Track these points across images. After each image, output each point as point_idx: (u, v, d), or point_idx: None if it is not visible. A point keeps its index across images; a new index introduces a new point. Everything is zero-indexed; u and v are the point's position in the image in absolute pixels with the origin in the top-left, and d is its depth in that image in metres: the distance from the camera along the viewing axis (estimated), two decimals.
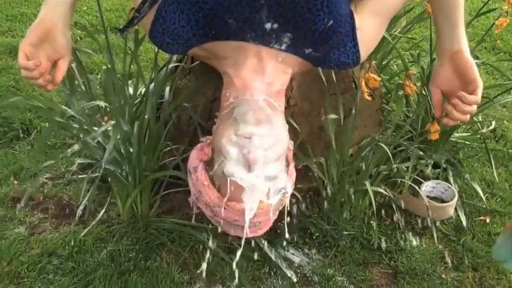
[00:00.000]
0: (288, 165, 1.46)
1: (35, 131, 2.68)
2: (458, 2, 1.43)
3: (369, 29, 1.47)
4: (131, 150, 2.00)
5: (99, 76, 3.06)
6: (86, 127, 1.95)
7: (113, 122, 1.90)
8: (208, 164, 1.44)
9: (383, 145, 2.05)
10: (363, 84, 1.94)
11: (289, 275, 2.00)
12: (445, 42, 1.45)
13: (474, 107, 1.43)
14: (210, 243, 2.01)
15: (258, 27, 1.39)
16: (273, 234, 2.10)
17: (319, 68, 2.02)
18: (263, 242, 2.05)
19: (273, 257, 2.04)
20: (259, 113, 1.39)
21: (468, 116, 1.44)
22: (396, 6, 1.51)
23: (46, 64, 1.42)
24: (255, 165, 1.33)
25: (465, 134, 2.71)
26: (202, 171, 1.41)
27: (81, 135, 1.93)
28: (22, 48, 1.37)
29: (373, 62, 2.02)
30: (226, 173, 1.34)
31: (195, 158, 1.45)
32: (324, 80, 2.06)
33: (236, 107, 1.41)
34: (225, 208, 1.35)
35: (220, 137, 1.39)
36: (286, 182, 1.43)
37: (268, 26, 1.39)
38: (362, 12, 1.46)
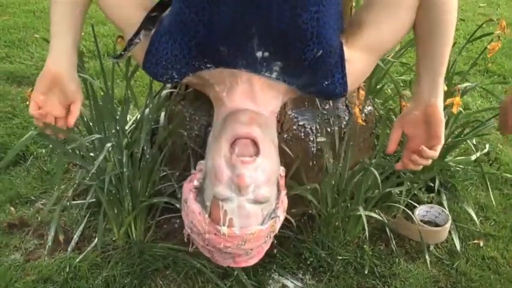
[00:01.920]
0: (279, 193, 1.45)
1: (32, 157, 2.69)
2: (444, 56, 1.45)
3: (358, 63, 1.48)
4: (127, 175, 2.02)
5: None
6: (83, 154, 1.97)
7: (109, 145, 1.92)
8: (200, 190, 1.44)
9: (374, 170, 2.07)
10: (357, 110, 1.96)
11: None
12: (423, 92, 1.46)
13: (429, 161, 1.48)
14: (205, 269, 2.02)
15: (250, 56, 1.41)
16: (267, 259, 2.11)
17: None
18: (257, 267, 2.06)
19: (267, 282, 2.05)
20: (253, 115, 1.40)
21: (420, 166, 1.50)
22: (389, 45, 1.52)
23: (59, 109, 1.48)
24: (246, 189, 1.32)
25: (459, 158, 2.73)
26: (193, 200, 1.41)
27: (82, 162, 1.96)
28: (33, 98, 1.44)
29: (362, 90, 2.04)
30: (216, 195, 1.34)
31: (186, 189, 1.45)
32: (318, 104, 2.09)
33: (228, 115, 1.42)
34: (215, 234, 1.34)
35: (212, 153, 1.39)
36: (278, 208, 1.42)
37: (259, 54, 1.41)
38: (354, 46, 1.47)
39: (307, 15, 1.34)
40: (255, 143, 1.36)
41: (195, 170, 1.51)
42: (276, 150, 1.46)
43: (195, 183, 1.45)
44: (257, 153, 1.35)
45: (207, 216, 1.36)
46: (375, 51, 1.51)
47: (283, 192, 1.47)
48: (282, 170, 1.49)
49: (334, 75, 1.46)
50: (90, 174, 2.00)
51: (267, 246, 1.47)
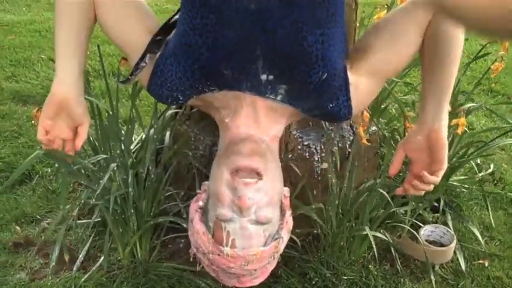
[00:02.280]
0: (283, 213, 1.45)
1: (37, 176, 2.70)
2: (450, 84, 1.47)
3: (363, 88, 1.49)
4: (132, 194, 2.02)
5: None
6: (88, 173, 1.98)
7: (114, 165, 1.93)
8: (205, 211, 1.45)
9: (381, 190, 2.07)
10: (361, 131, 1.97)
11: None
12: (427, 117, 1.48)
13: (431, 186, 1.49)
14: None
15: (254, 78, 1.42)
16: (272, 279, 2.11)
17: None
18: (263, 286, 2.06)
19: None
20: (254, 145, 1.40)
21: (422, 192, 1.52)
22: (393, 71, 1.54)
23: (67, 132, 1.49)
24: (247, 211, 1.33)
25: (464, 178, 2.73)
26: (198, 220, 1.42)
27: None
28: (40, 123, 1.44)
29: (366, 111, 2.05)
30: (218, 216, 1.34)
31: (192, 209, 1.46)
32: (323, 124, 2.10)
33: (230, 143, 1.43)
34: (219, 255, 1.34)
35: (214, 178, 1.40)
36: (282, 228, 1.42)
37: (264, 77, 1.41)
38: (359, 71, 1.48)
39: (312, 37, 1.35)
40: (257, 172, 1.36)
41: (199, 190, 1.51)
42: (280, 171, 1.46)
43: (200, 203, 1.45)
44: (260, 177, 1.36)
45: (210, 236, 1.37)
46: (380, 76, 1.51)
47: (288, 212, 1.46)
48: (286, 191, 1.49)
49: (338, 98, 1.47)
50: (95, 195, 2.01)
51: (271, 267, 1.46)
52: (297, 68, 1.38)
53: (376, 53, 1.47)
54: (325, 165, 2.07)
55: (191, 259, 1.53)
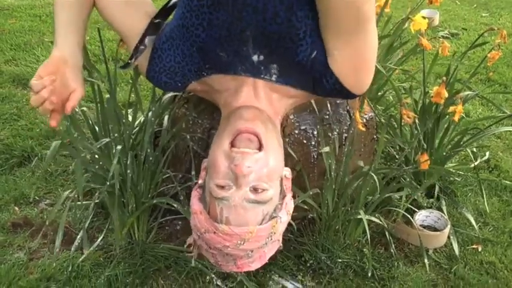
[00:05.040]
0: (284, 195, 1.42)
1: (36, 158, 2.72)
2: None
3: (341, 59, 1.40)
4: (130, 176, 2.04)
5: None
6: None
7: (119, 147, 1.95)
8: (204, 189, 1.42)
9: (374, 176, 2.09)
10: (357, 115, 1.99)
11: None
12: None
13: None
14: (206, 270, 2.05)
15: (246, 60, 1.43)
16: (268, 261, 2.13)
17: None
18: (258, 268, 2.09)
19: (267, 283, 2.07)
20: (256, 111, 1.41)
21: None
22: (351, 24, 1.36)
23: (59, 94, 1.40)
24: (244, 179, 1.30)
25: (459, 165, 2.75)
26: (197, 200, 1.41)
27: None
28: (37, 72, 1.37)
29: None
30: (213, 192, 1.32)
31: (193, 200, 1.45)
32: (317, 110, 2.12)
33: (232, 112, 1.43)
34: (214, 232, 1.33)
35: (212, 148, 1.39)
36: (280, 209, 1.39)
37: (255, 58, 1.43)
38: (329, 51, 1.40)
39: (302, 13, 1.34)
40: (258, 140, 1.35)
41: (195, 172, 1.52)
42: (281, 149, 1.44)
43: (200, 181, 1.45)
44: (259, 148, 1.34)
45: (206, 213, 1.36)
46: (339, 34, 1.37)
47: (289, 195, 1.45)
48: (288, 172, 1.46)
49: (332, 75, 1.45)
50: (103, 178, 2.02)
51: (270, 252, 1.44)
52: (284, 46, 1.39)
53: (344, 56, 1.40)
54: (326, 149, 2.08)
55: (185, 246, 1.52)
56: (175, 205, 2.08)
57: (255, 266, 1.44)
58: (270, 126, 1.42)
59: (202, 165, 1.48)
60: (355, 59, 1.41)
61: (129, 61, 1.51)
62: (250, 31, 1.38)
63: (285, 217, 1.42)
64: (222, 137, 1.37)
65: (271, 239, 1.39)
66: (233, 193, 1.31)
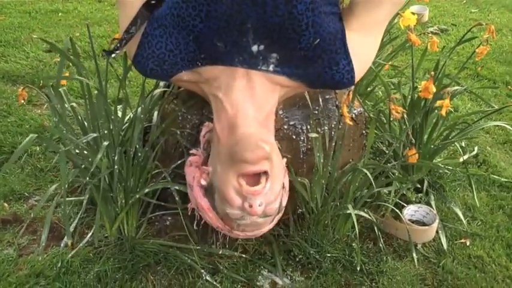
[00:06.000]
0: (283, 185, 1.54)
1: (25, 154, 2.71)
2: None
3: (359, 47, 1.51)
4: (118, 172, 2.04)
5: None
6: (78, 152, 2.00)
7: (106, 143, 1.95)
8: (208, 191, 1.49)
9: (365, 170, 2.10)
10: (345, 109, 2.00)
11: None
12: None
13: None
14: (195, 265, 2.06)
15: (245, 51, 1.44)
16: (257, 256, 2.15)
17: (305, 93, 2.08)
18: (247, 263, 2.10)
19: (256, 278, 2.08)
20: (259, 151, 1.42)
21: None
22: (381, 19, 1.54)
23: None
24: (257, 215, 1.42)
25: (448, 160, 2.76)
26: (202, 196, 1.47)
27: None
28: None
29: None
30: (231, 215, 1.43)
31: (189, 175, 1.52)
32: (309, 105, 2.12)
33: (233, 148, 1.44)
34: (228, 231, 1.50)
35: (221, 179, 1.44)
36: (282, 199, 1.55)
37: (254, 48, 1.44)
38: (349, 30, 1.50)
39: (302, 6, 1.37)
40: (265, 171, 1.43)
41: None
42: (280, 155, 1.54)
43: (203, 182, 1.49)
44: (267, 177, 1.42)
45: (219, 218, 1.50)
46: (372, 31, 1.53)
47: (286, 177, 1.59)
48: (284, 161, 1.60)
49: (338, 62, 1.48)
50: (89, 174, 2.02)
51: (273, 223, 1.58)
52: (287, 36, 1.41)
53: (361, 9, 1.50)
54: (314, 135, 2.08)
55: (189, 213, 1.59)
56: (164, 201, 2.09)
57: (265, 230, 1.57)
58: (272, 151, 1.47)
59: (197, 151, 1.61)
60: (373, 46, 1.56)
61: (118, 45, 1.51)
62: (251, 23, 1.39)
63: (285, 196, 1.60)
64: (227, 173, 1.43)
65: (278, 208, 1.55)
66: (247, 217, 1.44)
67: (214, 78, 1.51)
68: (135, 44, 1.51)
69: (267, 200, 1.42)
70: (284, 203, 1.56)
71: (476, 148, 2.91)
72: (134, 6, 1.49)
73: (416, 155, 2.18)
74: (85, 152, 2.11)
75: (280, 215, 1.58)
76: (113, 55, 1.54)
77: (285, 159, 1.58)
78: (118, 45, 1.51)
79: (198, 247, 2.14)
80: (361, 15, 1.50)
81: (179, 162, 2.12)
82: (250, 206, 1.39)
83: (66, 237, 2.17)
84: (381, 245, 2.26)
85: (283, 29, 1.40)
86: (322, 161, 2.14)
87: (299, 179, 2.14)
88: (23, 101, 2.02)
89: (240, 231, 1.48)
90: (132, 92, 3.32)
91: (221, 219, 1.48)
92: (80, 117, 2.23)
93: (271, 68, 1.48)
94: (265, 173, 1.41)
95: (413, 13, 2.12)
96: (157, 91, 2.28)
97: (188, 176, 1.56)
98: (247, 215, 1.42)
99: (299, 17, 1.38)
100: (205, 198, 1.48)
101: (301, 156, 2.19)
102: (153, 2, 1.50)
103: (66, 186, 2.38)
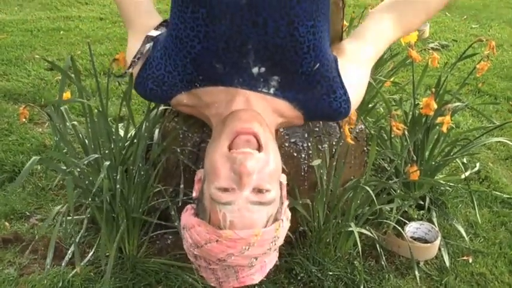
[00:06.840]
0: (282, 202, 1.41)
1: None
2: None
3: (354, 78, 1.52)
4: (120, 191, 2.04)
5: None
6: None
7: (107, 163, 1.95)
8: (199, 201, 1.39)
9: (366, 187, 2.10)
10: (346, 128, 2.00)
11: None
12: None
13: None
14: (197, 284, 2.04)
15: (245, 73, 1.44)
16: None
17: None
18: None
19: None
20: (253, 113, 1.41)
21: None
22: (373, 54, 1.57)
23: None
24: (248, 177, 1.28)
25: (450, 176, 2.76)
26: (191, 215, 1.39)
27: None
28: None
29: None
30: (213, 195, 1.30)
31: (186, 217, 1.43)
32: (310, 122, 2.12)
33: (228, 116, 1.42)
34: (217, 241, 1.29)
35: (210, 152, 1.38)
36: (281, 213, 1.39)
37: (255, 70, 1.43)
38: (345, 61, 1.52)
39: (304, 29, 1.37)
40: (257, 141, 1.34)
41: (183, 186, 1.52)
42: (279, 155, 1.43)
43: (194, 194, 1.44)
44: (259, 149, 1.34)
45: (206, 222, 1.32)
46: (362, 62, 1.55)
47: (286, 202, 1.45)
48: (283, 178, 1.45)
49: (335, 91, 1.47)
50: (90, 195, 2.01)
51: (270, 264, 1.44)
52: (289, 58, 1.40)
53: (351, 40, 1.55)
54: (318, 162, 2.07)
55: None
56: (167, 221, 2.08)
57: (257, 278, 1.42)
58: (267, 130, 1.41)
59: (196, 177, 1.46)
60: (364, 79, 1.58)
61: (126, 70, 1.53)
62: (252, 45, 1.39)
63: (286, 222, 1.42)
64: (219, 140, 1.36)
65: (275, 244, 1.37)
66: (237, 196, 1.30)
67: (213, 100, 1.50)
68: (139, 66, 1.52)
69: (260, 169, 1.31)
70: (283, 234, 1.43)
71: (478, 164, 2.91)
72: (143, 31, 1.53)
73: (418, 171, 2.18)
74: (86, 170, 2.11)
75: (276, 258, 1.51)
76: (122, 78, 1.56)
77: (284, 176, 1.51)
78: (128, 69, 1.53)
79: None
80: (358, 49, 1.54)
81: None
82: (240, 164, 1.27)
83: (75, 263, 2.14)
84: (383, 262, 2.25)
85: (285, 50, 1.40)
86: (324, 177, 2.14)
87: (300, 201, 2.13)
88: (24, 120, 2.03)
89: (229, 227, 1.29)
90: (134, 109, 3.32)
91: (209, 222, 1.33)
92: (81, 136, 2.22)
93: (271, 90, 1.47)
94: (258, 143, 1.34)
95: None
96: (160, 109, 2.28)
97: (185, 218, 1.47)
98: (237, 194, 1.29)
99: (301, 39, 1.38)
100: (194, 216, 1.40)
101: (303, 173, 2.18)
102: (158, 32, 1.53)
103: (66, 205, 2.40)
